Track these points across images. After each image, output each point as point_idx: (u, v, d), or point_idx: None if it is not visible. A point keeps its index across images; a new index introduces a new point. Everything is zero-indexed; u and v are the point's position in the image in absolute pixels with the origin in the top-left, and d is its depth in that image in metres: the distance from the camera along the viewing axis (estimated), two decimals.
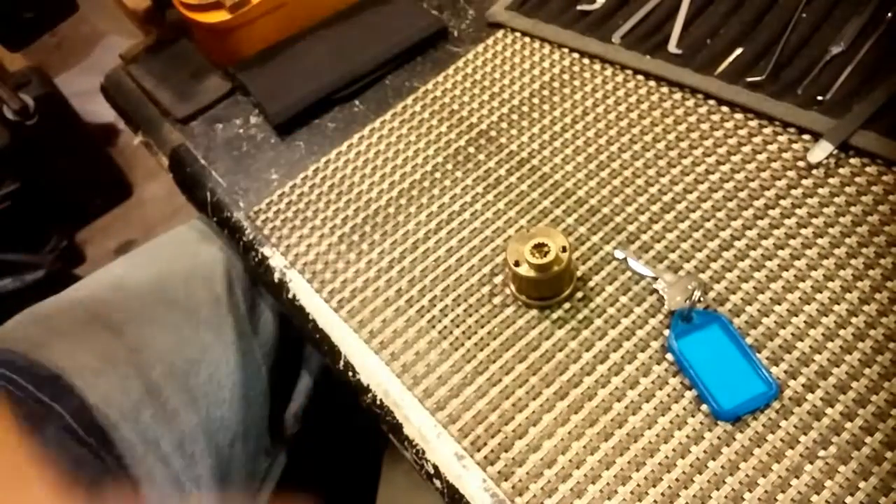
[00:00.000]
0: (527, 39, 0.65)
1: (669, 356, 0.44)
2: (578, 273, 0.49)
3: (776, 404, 0.41)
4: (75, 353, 0.53)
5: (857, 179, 0.48)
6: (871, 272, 0.44)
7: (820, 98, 0.51)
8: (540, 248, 0.45)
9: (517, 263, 0.45)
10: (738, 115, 0.54)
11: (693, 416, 0.41)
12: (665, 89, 0.57)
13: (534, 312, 0.48)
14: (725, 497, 0.38)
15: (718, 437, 0.40)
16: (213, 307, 0.60)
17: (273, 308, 0.66)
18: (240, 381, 0.58)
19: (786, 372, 0.42)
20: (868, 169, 0.49)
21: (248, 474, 0.60)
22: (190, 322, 0.58)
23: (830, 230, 0.47)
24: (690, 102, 0.56)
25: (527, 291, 0.47)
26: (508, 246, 0.46)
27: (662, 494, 0.39)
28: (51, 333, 0.55)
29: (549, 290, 0.47)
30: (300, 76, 0.65)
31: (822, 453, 0.39)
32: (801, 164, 0.50)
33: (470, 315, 0.49)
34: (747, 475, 0.39)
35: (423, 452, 0.44)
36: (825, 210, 0.47)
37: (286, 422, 0.67)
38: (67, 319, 0.57)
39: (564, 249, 0.45)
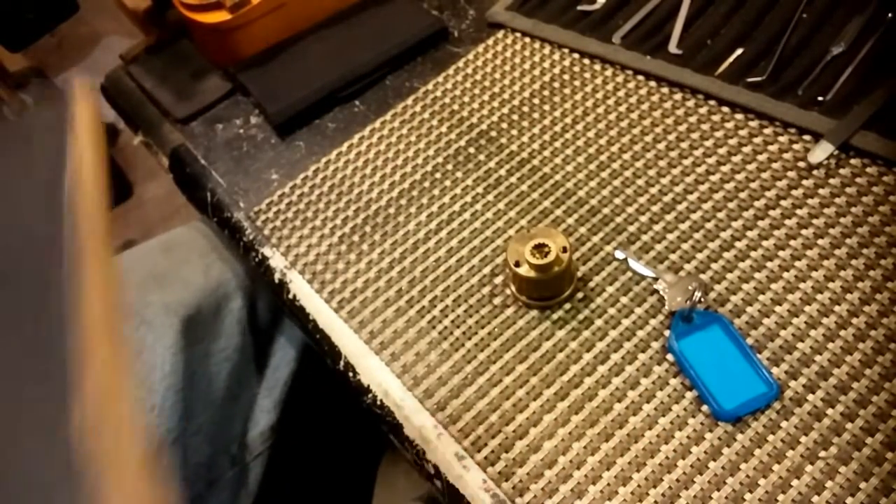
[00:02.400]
0: (527, 40, 0.65)
1: (670, 357, 0.44)
2: (579, 274, 0.48)
3: (777, 405, 0.41)
4: None
5: (858, 180, 0.48)
6: (871, 273, 0.44)
7: (820, 98, 0.51)
8: (540, 248, 0.45)
9: (517, 264, 0.45)
10: (739, 116, 0.54)
11: (694, 416, 0.41)
12: (665, 90, 0.57)
13: (534, 313, 0.48)
14: (726, 498, 0.38)
15: (719, 438, 0.40)
16: (160, 309, 0.58)
17: (240, 312, 0.64)
18: (175, 386, 0.56)
19: (786, 373, 0.42)
20: (868, 170, 0.49)
21: (188, 483, 0.58)
22: (127, 323, 0.56)
23: (831, 231, 0.47)
24: (691, 103, 0.56)
25: (527, 292, 0.47)
26: (509, 246, 0.46)
27: (663, 495, 0.39)
28: None
29: (549, 290, 0.47)
30: (300, 76, 0.65)
31: (822, 454, 0.39)
32: (801, 164, 0.50)
33: (470, 316, 0.49)
34: (748, 476, 0.39)
35: (424, 453, 0.44)
36: (826, 211, 0.47)
37: (250, 444, 0.65)
38: None
39: (565, 250, 0.45)
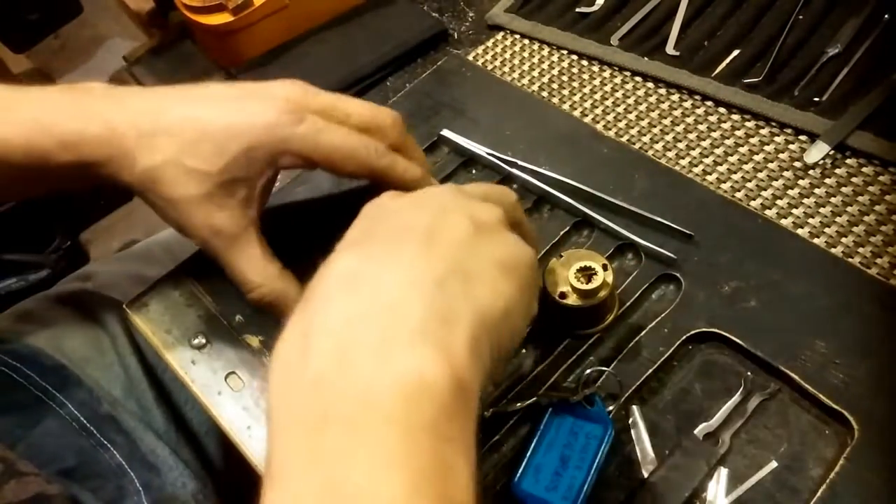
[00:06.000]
0: (526, 41, 0.65)
1: None
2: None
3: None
4: (60, 342, 0.52)
5: (854, 180, 0.49)
6: None
7: (816, 99, 0.52)
8: (585, 271, 0.40)
9: (563, 295, 0.41)
10: (736, 116, 0.54)
11: None
12: (663, 91, 0.57)
13: None
14: None
15: None
16: None
17: None
18: None
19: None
20: (864, 169, 0.49)
21: None
22: None
23: (827, 230, 0.47)
24: (688, 104, 0.56)
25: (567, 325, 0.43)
26: (545, 279, 0.41)
27: None
28: (35, 324, 0.54)
29: (594, 318, 0.43)
30: (301, 78, 0.65)
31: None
32: (797, 164, 0.50)
33: None
34: None
35: None
36: (822, 210, 0.48)
37: None
38: (52, 311, 0.56)
39: (605, 268, 0.40)
